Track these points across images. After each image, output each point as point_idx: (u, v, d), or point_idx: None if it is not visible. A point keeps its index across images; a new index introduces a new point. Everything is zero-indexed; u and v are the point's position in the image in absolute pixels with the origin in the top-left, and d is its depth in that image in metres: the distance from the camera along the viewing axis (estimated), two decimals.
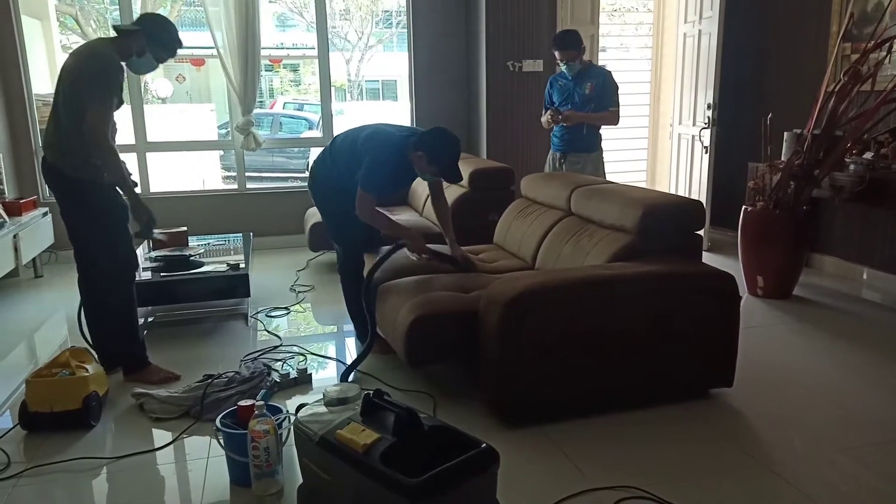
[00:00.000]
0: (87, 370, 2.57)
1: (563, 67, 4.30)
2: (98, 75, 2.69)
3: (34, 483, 2.17)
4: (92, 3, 13.51)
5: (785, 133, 4.23)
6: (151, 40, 2.86)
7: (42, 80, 5.54)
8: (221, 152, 10.00)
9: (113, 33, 2.87)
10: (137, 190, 3.00)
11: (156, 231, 3.08)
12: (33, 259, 4.61)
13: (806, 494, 2.05)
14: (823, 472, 2.18)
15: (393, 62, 16.07)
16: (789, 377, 2.94)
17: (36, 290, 4.47)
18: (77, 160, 2.73)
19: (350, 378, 2.86)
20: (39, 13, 6.56)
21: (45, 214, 4.74)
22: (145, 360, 2.94)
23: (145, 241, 2.92)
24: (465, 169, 4.47)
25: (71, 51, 2.90)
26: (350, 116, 4.60)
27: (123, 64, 2.81)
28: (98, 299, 2.89)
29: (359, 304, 3.15)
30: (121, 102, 2.82)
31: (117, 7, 5.16)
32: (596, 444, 2.35)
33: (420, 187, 5.04)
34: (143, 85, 5.64)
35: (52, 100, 2.84)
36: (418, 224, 4.40)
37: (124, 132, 4.44)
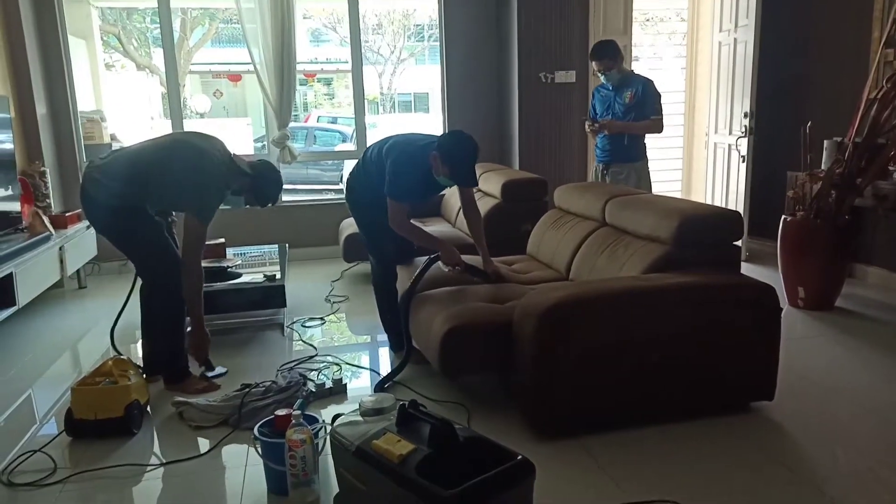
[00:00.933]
0: (129, 379, 2.64)
1: (602, 78, 4.29)
2: (208, 197, 2.84)
3: (79, 489, 2.22)
4: (134, 23, 13.92)
5: (825, 141, 4.14)
6: (255, 188, 3.01)
7: (86, 96, 5.73)
8: None
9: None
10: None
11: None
12: (77, 270, 4.75)
13: None
14: (869, 488, 2.12)
15: (425, 75, 16.22)
16: (832, 391, 2.86)
17: (80, 301, 4.60)
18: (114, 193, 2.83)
19: (385, 388, 2.88)
20: (84, 32, 6.79)
21: (88, 227, 4.87)
22: (186, 370, 3.00)
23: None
24: (498, 180, 4.49)
25: (178, 135, 3.14)
26: (383, 129, 4.67)
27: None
28: (152, 309, 2.98)
29: (393, 316, 3.17)
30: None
31: (158, 26, 5.31)
32: (633, 457, 2.32)
33: (453, 199, 5.06)
34: (182, 100, 5.78)
35: (99, 118, 2.94)
36: (450, 235, 4.42)
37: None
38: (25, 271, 3.81)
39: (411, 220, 3.06)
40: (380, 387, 2.90)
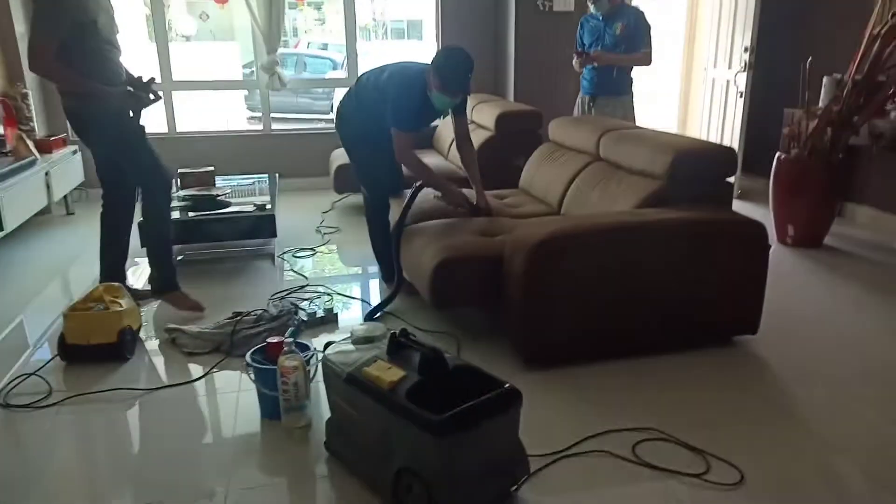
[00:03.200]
0: (120, 305, 2.65)
1: (591, 7, 4.17)
2: (40, 5, 2.66)
3: (74, 411, 2.26)
4: None
5: (825, 78, 4.08)
6: None
7: None
8: (246, 92, 9.96)
9: None
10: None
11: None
12: (65, 196, 4.69)
13: (827, 444, 2.06)
14: (846, 423, 2.19)
15: (419, 1, 15.71)
16: (816, 327, 2.92)
17: (68, 227, 4.56)
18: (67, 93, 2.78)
19: (375, 318, 2.91)
20: None
21: (74, 152, 4.79)
22: (174, 283, 3.02)
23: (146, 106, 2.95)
24: (491, 112, 4.41)
25: None
26: (375, 57, 4.54)
27: None
28: (121, 222, 3.02)
29: (385, 247, 3.17)
30: (92, 26, 2.70)
31: None
32: (618, 387, 2.38)
33: (445, 131, 4.99)
34: (167, 22, 5.58)
35: None
36: (443, 168, 4.38)
37: (149, 71, 4.41)
38: (11, 196, 3.76)
39: (417, 155, 3.01)
40: (370, 316, 2.93)
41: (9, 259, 3.85)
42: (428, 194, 3.12)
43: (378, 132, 2.95)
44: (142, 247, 3.08)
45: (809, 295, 3.31)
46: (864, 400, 2.31)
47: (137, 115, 2.92)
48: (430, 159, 4.63)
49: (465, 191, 3.16)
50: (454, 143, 3.38)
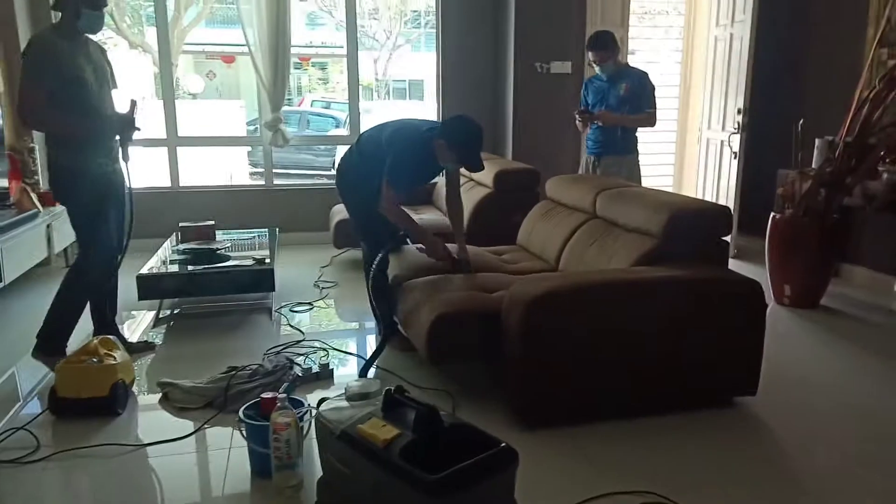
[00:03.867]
0: (114, 358, 2.63)
1: (596, 69, 4.27)
2: (25, 61, 2.72)
3: (61, 467, 2.22)
4: (127, 0, 13.75)
5: (817, 140, 4.16)
6: None
7: None
8: (249, 148, 10.13)
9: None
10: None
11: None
12: (64, 249, 4.71)
13: None
14: (850, 487, 2.14)
15: (420, 62, 16.14)
16: (815, 388, 2.89)
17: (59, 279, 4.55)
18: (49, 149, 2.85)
19: (370, 373, 2.89)
20: None
21: None
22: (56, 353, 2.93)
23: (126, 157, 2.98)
24: (490, 169, 4.47)
25: (102, 45, 3.01)
26: (377, 115, 4.66)
27: (59, 40, 2.75)
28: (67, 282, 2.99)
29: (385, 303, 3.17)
30: (78, 81, 2.76)
31: (152, 4, 5.25)
32: (617, 448, 2.34)
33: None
34: (174, 80, 5.73)
35: None
36: (440, 224, 4.42)
37: (156, 127, 4.50)
38: (11, 248, 3.78)
39: (402, 208, 3.05)
40: (364, 371, 2.90)
41: (6, 310, 3.84)
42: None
43: (376, 187, 2.98)
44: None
45: (808, 356, 3.29)
46: (868, 464, 2.27)
47: (126, 149, 2.95)
48: (429, 215, 4.69)
49: (448, 245, 3.17)
50: (445, 195, 3.41)
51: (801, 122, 3.98)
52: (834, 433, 2.49)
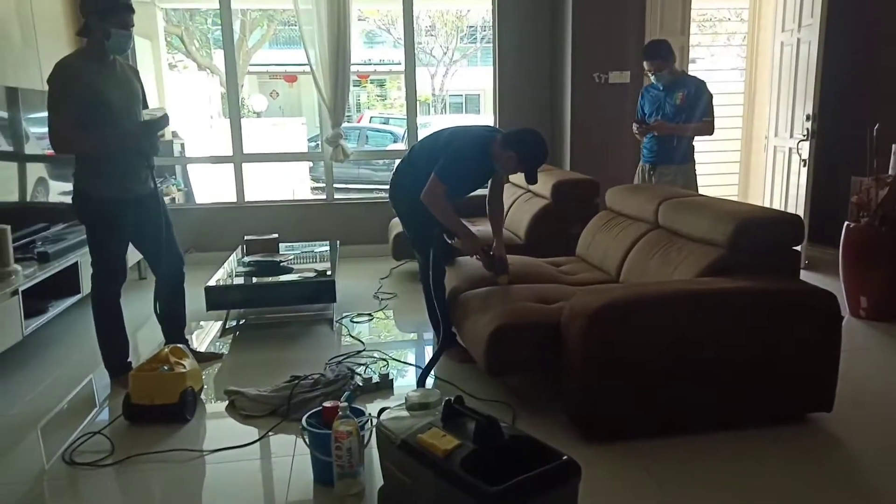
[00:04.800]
0: (184, 367, 2.72)
1: (652, 78, 4.21)
2: (51, 88, 2.72)
3: (134, 470, 2.30)
4: (196, 24, 14.36)
5: (893, 146, 3.97)
6: (98, 15, 2.75)
7: (150, 95, 5.92)
8: (311, 164, 10.39)
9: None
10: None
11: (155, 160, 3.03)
12: (137, 262, 4.91)
13: None
14: None
15: (477, 76, 16.25)
16: (894, 405, 2.74)
17: (139, 292, 4.75)
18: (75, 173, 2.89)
19: (429, 383, 2.90)
20: (149, 33, 7.05)
21: None
22: (117, 371, 3.02)
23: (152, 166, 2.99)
24: (548, 180, 4.45)
25: (133, 67, 3.09)
26: (434, 129, 4.69)
27: (86, 63, 2.77)
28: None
29: (441, 312, 3.18)
30: (105, 107, 2.78)
31: (219, 28, 5.46)
32: (681, 464, 2.27)
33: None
34: (240, 100, 5.93)
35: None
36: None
37: (222, 144, 4.65)
38: (89, 261, 3.96)
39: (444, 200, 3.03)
40: (422, 379, 2.91)
41: (84, 320, 4.02)
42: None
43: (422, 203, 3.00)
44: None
45: (887, 371, 3.12)
46: None
47: (150, 162, 2.97)
48: (487, 226, 4.68)
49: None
50: (487, 196, 3.38)
51: (876, 126, 3.81)
52: None
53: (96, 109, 2.78)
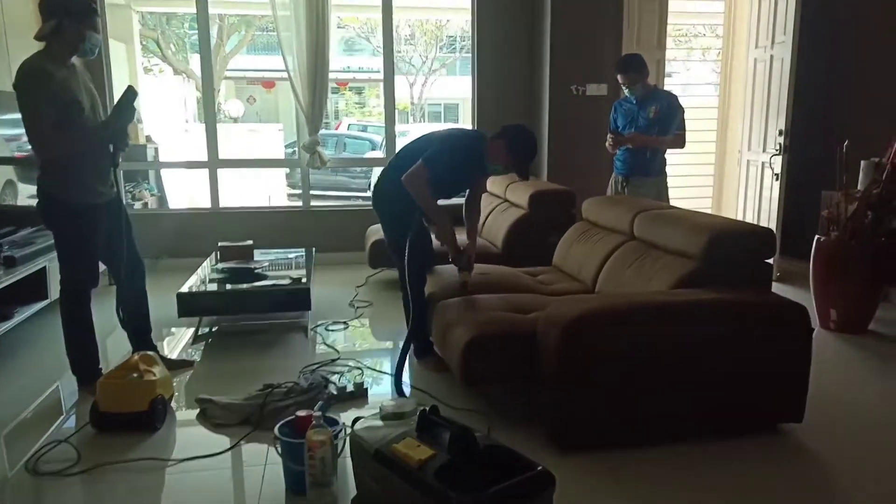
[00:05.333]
0: (154, 374, 2.67)
1: (625, 91, 4.27)
2: (24, 91, 2.66)
3: (101, 480, 2.25)
4: (172, 28, 14.22)
5: (862, 161, 4.06)
6: (73, 18, 2.69)
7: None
8: (287, 170, 10.33)
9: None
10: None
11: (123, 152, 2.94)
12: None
13: None
14: None
15: (455, 86, 16.32)
16: (863, 416, 2.78)
17: (109, 297, 4.65)
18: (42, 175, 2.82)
19: (403, 386, 2.90)
20: (125, 37, 6.97)
21: None
22: (86, 379, 2.93)
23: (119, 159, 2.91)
24: (526, 190, 4.47)
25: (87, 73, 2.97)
26: (412, 138, 4.66)
27: (51, 66, 2.68)
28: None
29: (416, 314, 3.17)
30: (77, 106, 2.73)
31: (196, 32, 5.42)
32: (654, 475, 2.28)
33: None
34: (217, 105, 5.88)
35: (136, 120, 2.93)
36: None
37: (197, 149, 4.62)
38: (57, 266, 3.88)
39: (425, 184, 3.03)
40: (398, 384, 2.90)
41: (51, 325, 3.93)
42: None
43: (410, 202, 3.00)
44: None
45: (856, 382, 3.18)
46: None
47: (116, 159, 2.90)
48: (465, 236, 4.68)
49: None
50: (465, 203, 3.40)
51: (845, 143, 3.89)
52: (883, 462, 2.39)
53: (70, 110, 2.72)
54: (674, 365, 2.42)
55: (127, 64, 7.17)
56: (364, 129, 14.11)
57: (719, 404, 2.49)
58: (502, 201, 4.86)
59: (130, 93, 2.84)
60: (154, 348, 3.15)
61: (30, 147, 2.77)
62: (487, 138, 3.06)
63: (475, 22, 5.64)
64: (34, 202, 2.89)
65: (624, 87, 4.27)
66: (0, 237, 3.73)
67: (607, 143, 4.35)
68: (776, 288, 3.68)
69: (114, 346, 3.65)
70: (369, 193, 3.48)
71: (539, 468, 1.69)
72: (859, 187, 3.98)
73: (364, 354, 3.51)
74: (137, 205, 6.18)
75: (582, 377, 2.36)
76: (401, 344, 3.62)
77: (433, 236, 3.22)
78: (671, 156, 4.35)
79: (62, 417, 2.76)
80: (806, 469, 2.36)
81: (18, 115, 2.69)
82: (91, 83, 2.96)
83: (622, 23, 5.28)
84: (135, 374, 2.63)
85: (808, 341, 2.54)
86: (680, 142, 4.20)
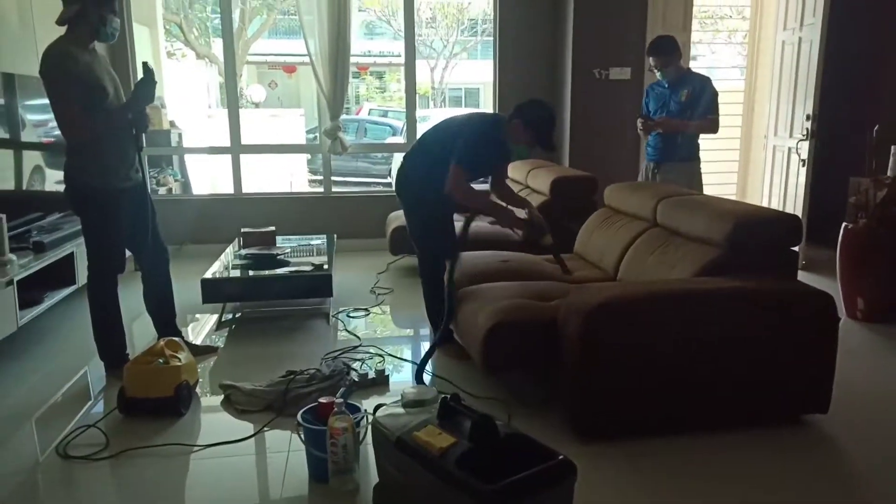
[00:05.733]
0: (179, 360, 2.71)
1: (658, 75, 4.19)
2: (51, 76, 2.68)
3: (128, 464, 2.30)
4: (195, 12, 14.27)
5: (892, 147, 3.96)
6: (94, 1, 2.71)
7: None
8: (309, 156, 10.36)
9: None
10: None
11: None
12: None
13: None
14: None
15: (476, 70, 16.19)
16: (890, 407, 2.74)
17: (135, 283, 4.72)
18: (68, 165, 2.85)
19: (425, 376, 2.89)
20: (148, 21, 7.01)
21: None
22: (114, 364, 2.98)
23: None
24: (547, 176, 4.44)
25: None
26: (433, 123, 4.64)
27: (77, 51, 2.71)
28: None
29: (438, 308, 3.16)
30: (102, 91, 2.76)
31: (218, 16, 5.43)
32: (675, 465, 2.27)
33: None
34: (239, 90, 5.90)
35: (159, 105, 2.96)
36: (497, 230, 4.42)
37: (220, 135, 4.64)
38: (85, 252, 3.95)
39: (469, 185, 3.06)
40: (419, 374, 2.90)
41: (78, 311, 4.00)
42: (480, 260, 3.13)
43: (438, 190, 2.99)
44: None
45: (883, 372, 3.13)
46: None
47: (140, 142, 2.93)
48: (485, 222, 4.67)
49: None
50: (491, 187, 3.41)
51: (875, 127, 3.80)
52: None
53: (95, 94, 2.75)
54: (696, 354, 2.40)
55: (150, 48, 7.21)
56: (385, 114, 14.07)
57: (742, 394, 2.47)
58: (524, 187, 4.83)
59: (147, 71, 2.86)
60: (179, 334, 3.20)
61: (58, 132, 2.81)
62: (505, 121, 3.06)
63: (497, 4, 5.58)
64: (61, 188, 2.94)
65: (655, 70, 4.19)
66: (28, 223, 3.80)
67: (638, 129, 4.29)
68: (802, 276, 3.61)
69: (140, 331, 3.71)
70: (390, 179, 3.48)
71: (560, 457, 1.69)
72: (889, 173, 3.89)
73: (385, 341, 3.52)
74: (162, 190, 6.23)
75: (603, 365, 2.35)
76: (422, 331, 3.64)
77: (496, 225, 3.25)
78: (700, 141, 4.27)
79: (90, 402, 2.82)
80: (829, 460, 2.34)
81: (46, 101, 2.74)
82: (111, 68, 2.99)
83: (647, 4, 5.20)
84: (160, 360, 2.67)
85: (834, 331, 2.50)
86: (713, 126, 4.11)
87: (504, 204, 3.29)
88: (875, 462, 2.32)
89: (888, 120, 4.10)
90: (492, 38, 5.68)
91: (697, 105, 4.06)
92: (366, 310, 4.02)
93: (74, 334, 3.60)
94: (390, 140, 11.22)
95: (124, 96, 2.98)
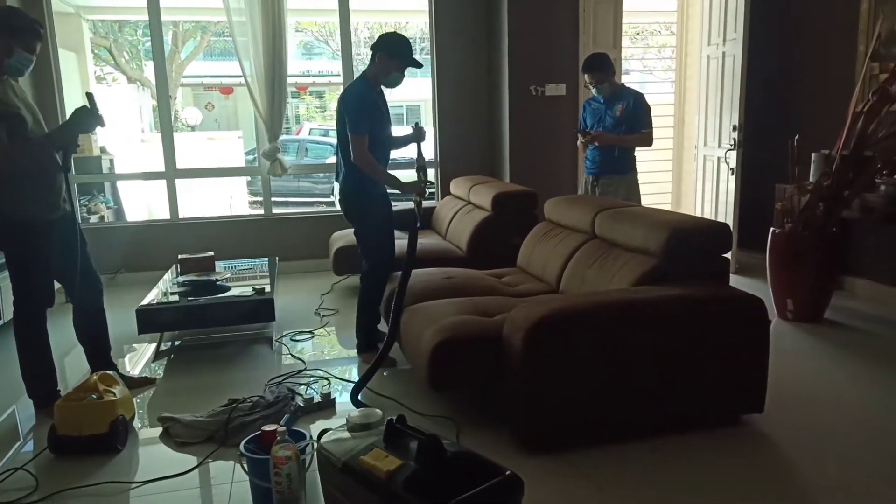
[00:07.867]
0: (114, 394, 2.61)
1: (593, 91, 4.31)
2: None
3: None
4: (125, 36, 13.91)
5: (813, 154, 4.17)
6: (8, 32, 2.63)
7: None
8: (248, 178, 10.18)
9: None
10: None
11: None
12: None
13: None
14: (861, 502, 2.11)
15: (416, 87, 16.28)
16: (822, 404, 2.86)
17: (66, 316, 4.53)
18: None
19: (360, 397, 2.87)
20: (75, 46, 6.78)
21: None
22: (43, 401, 2.85)
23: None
24: (489, 192, 4.49)
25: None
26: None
27: None
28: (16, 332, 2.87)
29: (368, 316, 3.31)
30: (19, 119, 2.65)
31: (149, 38, 5.30)
32: (623, 471, 2.30)
33: (443, 211, 5.06)
34: (173, 113, 5.76)
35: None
36: (441, 247, 4.45)
37: (155, 160, 4.52)
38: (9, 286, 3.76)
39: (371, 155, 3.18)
40: (354, 396, 2.86)
41: (4, 347, 3.81)
42: (424, 277, 3.13)
43: (365, 179, 3.18)
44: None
45: (814, 371, 3.26)
46: (880, 478, 2.24)
47: (68, 160, 2.82)
48: (430, 239, 4.69)
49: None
50: (451, 222, 3.44)
51: (796, 137, 4.00)
52: (842, 448, 2.45)
53: (17, 123, 2.64)
54: (637, 362, 2.45)
55: (78, 73, 6.97)
56: (326, 133, 13.98)
57: (682, 398, 2.53)
58: (465, 203, 4.87)
59: (91, 102, 2.76)
60: (114, 367, 3.08)
61: None
62: (370, 65, 3.24)
63: (433, 25, 5.64)
64: None
65: (591, 87, 4.30)
66: None
67: (578, 143, 4.39)
68: (735, 280, 3.75)
69: (72, 366, 3.55)
70: (333, 199, 3.49)
71: (507, 472, 1.69)
72: (811, 179, 4.09)
73: (331, 363, 3.48)
74: (93, 218, 6.02)
75: (547, 378, 2.37)
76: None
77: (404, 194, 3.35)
78: (636, 153, 4.40)
79: (19, 443, 2.68)
80: (767, 458, 2.42)
81: None
82: (30, 98, 2.87)
83: (578, 23, 5.34)
84: (94, 395, 2.56)
85: (765, 333, 2.59)
86: (647, 139, 4.25)
87: (457, 244, 3.42)
88: (808, 456, 2.41)
89: (807, 129, 4.31)
90: (429, 57, 5.73)
91: (632, 119, 4.20)
92: (310, 332, 3.96)
93: (1, 372, 3.42)
94: (332, 159, 11.15)
95: (46, 127, 2.86)
